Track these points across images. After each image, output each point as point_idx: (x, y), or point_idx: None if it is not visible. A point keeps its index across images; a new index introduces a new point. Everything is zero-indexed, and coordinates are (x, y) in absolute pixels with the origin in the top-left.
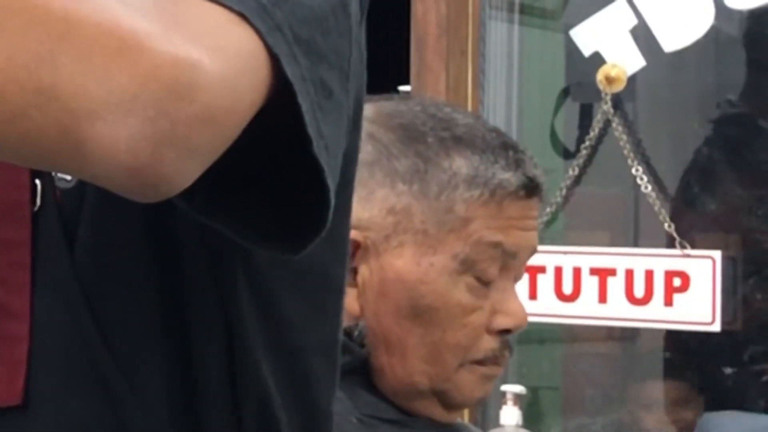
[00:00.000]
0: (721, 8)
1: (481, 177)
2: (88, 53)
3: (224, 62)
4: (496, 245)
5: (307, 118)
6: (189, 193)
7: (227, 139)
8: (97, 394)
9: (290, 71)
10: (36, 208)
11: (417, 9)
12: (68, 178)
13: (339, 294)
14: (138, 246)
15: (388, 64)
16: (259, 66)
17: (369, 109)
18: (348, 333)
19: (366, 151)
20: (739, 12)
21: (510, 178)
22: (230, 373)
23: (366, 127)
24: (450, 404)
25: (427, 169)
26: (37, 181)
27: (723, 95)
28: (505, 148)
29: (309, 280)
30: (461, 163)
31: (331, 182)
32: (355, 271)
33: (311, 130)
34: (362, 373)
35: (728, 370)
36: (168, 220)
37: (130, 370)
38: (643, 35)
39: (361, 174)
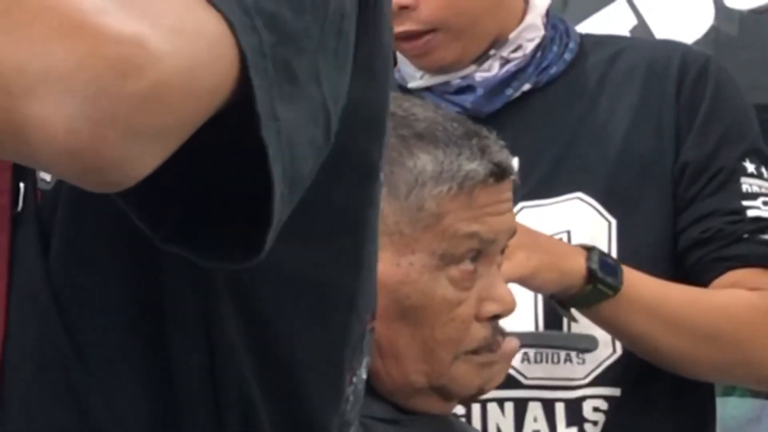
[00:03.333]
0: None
1: (447, 171)
2: (28, 30)
3: (180, 42)
4: (473, 235)
5: (259, 94)
6: (156, 221)
7: (184, 121)
8: (68, 405)
9: (246, 41)
10: (18, 209)
11: None
12: (48, 178)
13: (348, 310)
14: (112, 253)
15: None
16: (224, 51)
17: None
18: None
19: None
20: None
21: (477, 167)
22: (213, 387)
23: None
24: (449, 396)
25: (393, 170)
26: (21, 184)
27: None
28: (468, 137)
29: (306, 294)
30: (426, 160)
31: (281, 167)
32: None
33: (261, 108)
34: None
35: None
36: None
37: (103, 381)
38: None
39: None
